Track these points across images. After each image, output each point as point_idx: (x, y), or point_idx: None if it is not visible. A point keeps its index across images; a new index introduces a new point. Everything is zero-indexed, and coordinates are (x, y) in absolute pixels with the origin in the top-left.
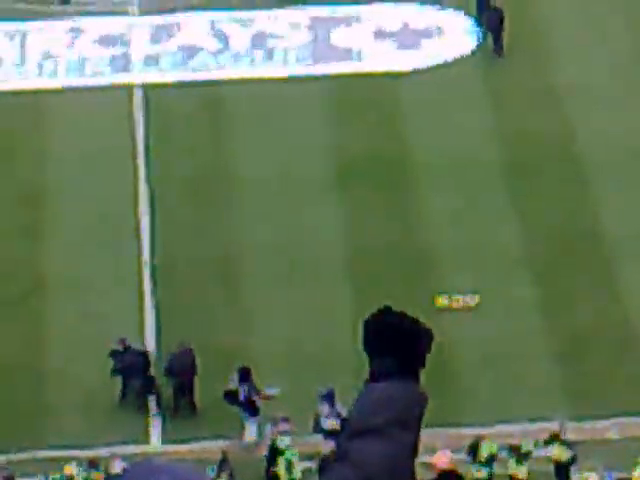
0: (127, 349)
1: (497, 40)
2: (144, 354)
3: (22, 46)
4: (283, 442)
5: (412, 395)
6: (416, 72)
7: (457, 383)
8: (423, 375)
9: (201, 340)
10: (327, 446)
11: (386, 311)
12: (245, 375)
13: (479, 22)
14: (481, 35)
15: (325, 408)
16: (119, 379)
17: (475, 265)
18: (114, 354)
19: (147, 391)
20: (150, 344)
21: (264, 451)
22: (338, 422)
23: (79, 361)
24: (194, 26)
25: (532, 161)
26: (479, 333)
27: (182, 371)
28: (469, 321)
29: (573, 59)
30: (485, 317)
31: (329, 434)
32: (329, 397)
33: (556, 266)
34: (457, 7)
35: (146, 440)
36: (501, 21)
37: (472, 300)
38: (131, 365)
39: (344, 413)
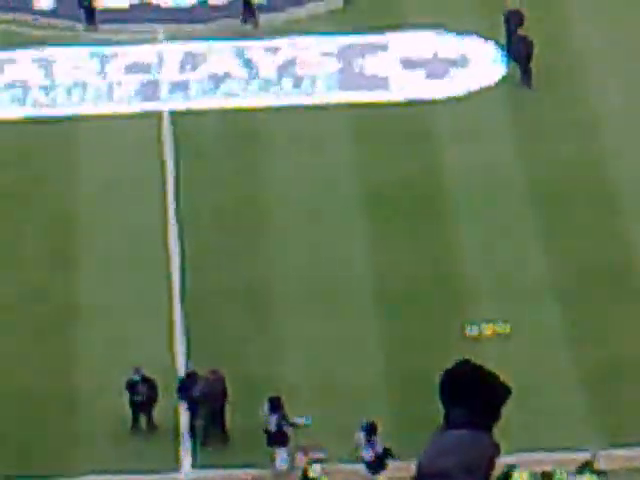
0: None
1: (525, 70)
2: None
3: (51, 73)
4: (315, 471)
5: (483, 444)
6: (445, 101)
7: None
8: None
9: (231, 368)
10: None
11: (465, 363)
12: (276, 404)
13: (507, 51)
14: (509, 64)
15: (362, 438)
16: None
17: (506, 295)
18: (131, 385)
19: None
20: (180, 372)
21: None
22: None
23: (110, 388)
24: (222, 54)
25: (563, 191)
26: (510, 362)
27: (214, 398)
28: (499, 350)
29: (603, 90)
30: (515, 346)
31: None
32: (368, 429)
33: (587, 296)
34: (486, 36)
35: (177, 467)
36: (530, 51)
37: (502, 329)
38: (145, 395)
39: (380, 447)
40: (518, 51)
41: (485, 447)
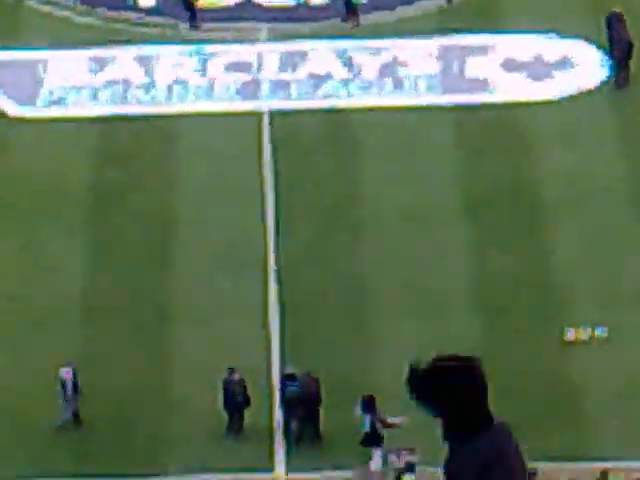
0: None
1: (621, 70)
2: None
3: (151, 71)
4: (409, 475)
5: (508, 442)
6: (547, 103)
7: (585, 416)
8: (552, 409)
9: (327, 369)
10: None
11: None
12: (369, 404)
13: (610, 54)
14: (611, 67)
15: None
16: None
17: (605, 297)
18: (226, 385)
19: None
20: (276, 373)
21: None
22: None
23: (205, 389)
24: (323, 54)
25: None
26: (609, 366)
27: (308, 399)
28: (598, 354)
29: None
30: (615, 350)
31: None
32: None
33: None
34: (589, 39)
35: (271, 467)
36: (629, 51)
37: (602, 332)
38: (240, 395)
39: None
40: (618, 51)
41: (512, 443)
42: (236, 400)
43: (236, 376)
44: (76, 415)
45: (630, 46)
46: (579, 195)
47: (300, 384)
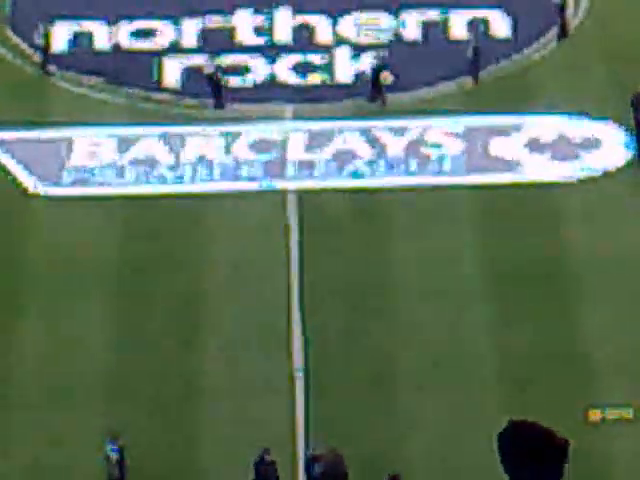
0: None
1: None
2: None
3: (177, 150)
4: None
5: None
6: (572, 184)
7: None
8: None
9: (353, 449)
10: None
11: (518, 424)
12: None
13: (636, 135)
14: (637, 148)
15: None
16: None
17: (633, 377)
18: (258, 464)
19: None
20: (301, 452)
21: None
22: None
23: (232, 469)
24: (349, 133)
25: None
26: (635, 447)
27: (334, 478)
28: (624, 435)
29: None
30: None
31: None
32: None
33: None
34: (615, 120)
35: None
36: None
37: (628, 414)
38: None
39: None
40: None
41: None
42: None
43: (269, 458)
44: None
45: None
46: (605, 273)
47: (325, 463)
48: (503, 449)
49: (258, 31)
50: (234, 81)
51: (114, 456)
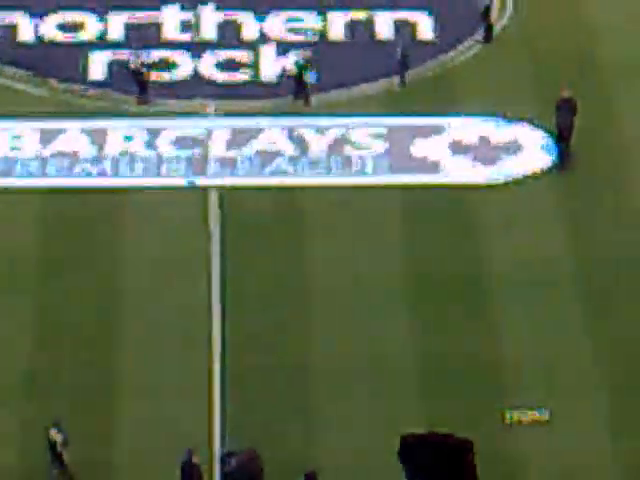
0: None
1: (563, 148)
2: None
3: (100, 144)
4: None
5: None
6: (493, 187)
7: None
8: None
9: (268, 448)
10: None
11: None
12: None
13: (558, 139)
14: (558, 152)
15: None
16: None
17: (550, 379)
18: (184, 465)
19: None
20: (217, 452)
21: None
22: None
23: (147, 467)
24: (272, 131)
25: (610, 280)
26: (550, 448)
27: (248, 477)
28: (540, 436)
29: None
30: (556, 433)
31: None
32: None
33: (632, 387)
34: (537, 124)
35: None
36: (573, 116)
37: (543, 416)
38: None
39: None
40: (564, 118)
41: None
42: None
43: (194, 459)
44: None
45: (570, 129)
46: (525, 278)
47: (240, 459)
48: (403, 464)
49: (184, 27)
50: (159, 76)
51: (60, 440)
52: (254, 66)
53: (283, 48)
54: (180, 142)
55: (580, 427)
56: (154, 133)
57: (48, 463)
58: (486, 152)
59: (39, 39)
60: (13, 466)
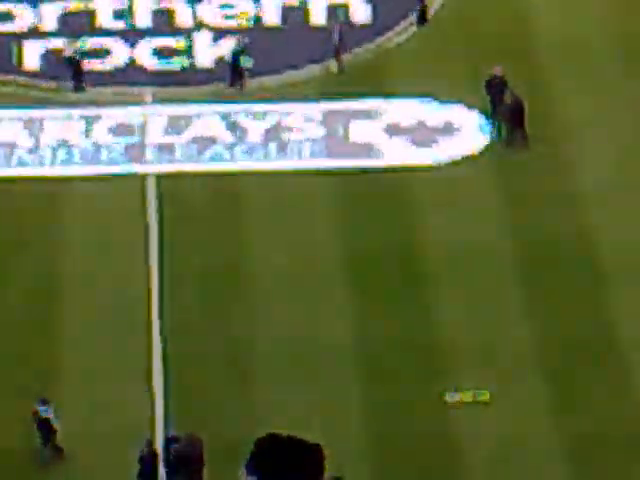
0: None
1: (513, 131)
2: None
3: (36, 133)
4: None
5: None
6: (429, 169)
7: (466, 478)
8: (432, 470)
9: (211, 432)
10: None
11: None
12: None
13: (492, 117)
14: (495, 131)
15: None
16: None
17: (487, 362)
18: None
19: None
20: (159, 435)
21: None
22: None
23: (89, 452)
24: (208, 117)
25: (545, 261)
26: (489, 429)
27: (190, 461)
28: (479, 417)
29: (589, 162)
30: (495, 414)
31: None
32: None
33: (571, 364)
34: (471, 105)
35: None
36: (521, 112)
37: (481, 398)
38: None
39: None
40: (507, 112)
41: None
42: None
43: (151, 449)
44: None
45: (520, 105)
46: (461, 259)
47: (182, 447)
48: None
49: (118, 15)
50: (94, 64)
51: (46, 415)
52: (189, 53)
53: (218, 34)
54: (117, 129)
55: (517, 409)
56: (90, 121)
57: (39, 444)
58: (423, 134)
59: None
60: None
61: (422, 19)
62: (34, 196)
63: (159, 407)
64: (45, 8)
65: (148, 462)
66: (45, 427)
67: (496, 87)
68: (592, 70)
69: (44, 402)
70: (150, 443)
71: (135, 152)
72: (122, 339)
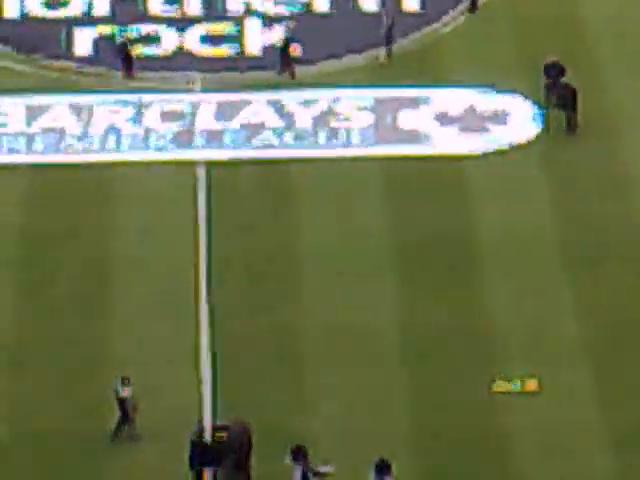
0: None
1: (570, 117)
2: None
3: (86, 119)
4: None
5: None
6: (480, 156)
7: (514, 468)
8: (479, 459)
9: (259, 417)
10: None
11: None
12: (300, 453)
13: (547, 103)
14: (545, 118)
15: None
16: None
17: (535, 352)
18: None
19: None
20: (208, 419)
21: None
22: None
23: (141, 436)
24: (258, 104)
25: (596, 248)
26: (537, 419)
27: (238, 447)
28: (527, 405)
29: None
30: (543, 404)
31: None
32: (380, 469)
33: (619, 355)
34: (523, 93)
35: None
36: (574, 98)
37: (531, 386)
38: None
39: None
40: (563, 98)
41: None
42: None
43: (201, 434)
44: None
45: (573, 92)
46: (511, 248)
47: (230, 433)
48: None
49: (168, 1)
50: (144, 51)
51: (124, 394)
52: (239, 39)
53: (268, 21)
54: (166, 116)
55: (566, 396)
56: (140, 108)
57: (118, 424)
58: (473, 122)
59: (24, 15)
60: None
61: (472, 7)
62: (84, 182)
63: (207, 391)
64: None
65: (198, 447)
66: (122, 407)
67: (555, 73)
68: None
69: (123, 381)
70: (201, 428)
71: (184, 138)
72: (171, 323)
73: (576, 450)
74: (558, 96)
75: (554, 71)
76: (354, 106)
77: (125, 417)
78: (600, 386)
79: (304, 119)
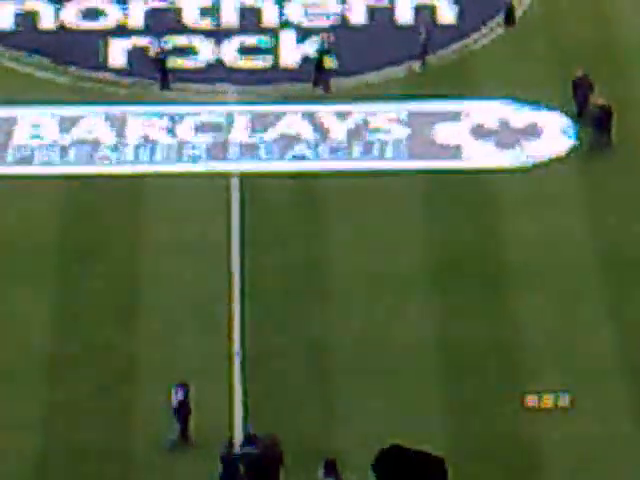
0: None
1: (601, 135)
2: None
3: (121, 130)
4: None
5: None
6: (514, 170)
7: None
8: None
9: (289, 431)
10: None
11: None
12: (331, 467)
13: (578, 118)
14: (578, 134)
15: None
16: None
17: (569, 366)
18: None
19: None
20: (238, 433)
21: None
22: None
23: (167, 454)
24: (293, 117)
25: (631, 264)
26: (570, 431)
27: (269, 462)
28: (560, 419)
29: None
30: (576, 419)
31: None
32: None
33: None
34: (556, 107)
35: None
36: (609, 116)
37: (563, 400)
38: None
39: None
40: (598, 119)
41: None
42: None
43: (231, 449)
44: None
45: (608, 111)
46: (545, 262)
47: (261, 445)
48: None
49: (205, 13)
50: (180, 62)
51: (178, 398)
52: (274, 52)
53: (304, 33)
54: (201, 127)
55: (600, 412)
56: (175, 119)
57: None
58: (507, 136)
59: (60, 26)
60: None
61: (510, 20)
62: (117, 194)
63: (238, 405)
64: (132, 5)
65: (229, 462)
66: (177, 412)
67: (583, 89)
68: None
69: (180, 386)
70: (230, 442)
71: (219, 150)
72: (202, 336)
73: (608, 464)
74: (592, 117)
75: (583, 87)
76: (388, 119)
77: (184, 423)
78: (634, 399)
79: (338, 132)
